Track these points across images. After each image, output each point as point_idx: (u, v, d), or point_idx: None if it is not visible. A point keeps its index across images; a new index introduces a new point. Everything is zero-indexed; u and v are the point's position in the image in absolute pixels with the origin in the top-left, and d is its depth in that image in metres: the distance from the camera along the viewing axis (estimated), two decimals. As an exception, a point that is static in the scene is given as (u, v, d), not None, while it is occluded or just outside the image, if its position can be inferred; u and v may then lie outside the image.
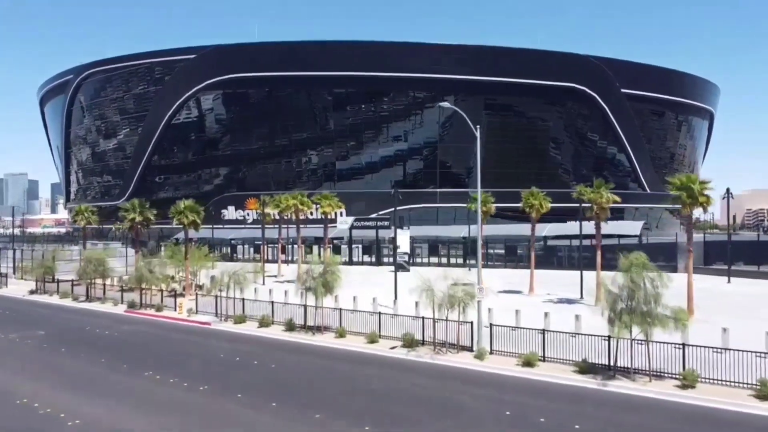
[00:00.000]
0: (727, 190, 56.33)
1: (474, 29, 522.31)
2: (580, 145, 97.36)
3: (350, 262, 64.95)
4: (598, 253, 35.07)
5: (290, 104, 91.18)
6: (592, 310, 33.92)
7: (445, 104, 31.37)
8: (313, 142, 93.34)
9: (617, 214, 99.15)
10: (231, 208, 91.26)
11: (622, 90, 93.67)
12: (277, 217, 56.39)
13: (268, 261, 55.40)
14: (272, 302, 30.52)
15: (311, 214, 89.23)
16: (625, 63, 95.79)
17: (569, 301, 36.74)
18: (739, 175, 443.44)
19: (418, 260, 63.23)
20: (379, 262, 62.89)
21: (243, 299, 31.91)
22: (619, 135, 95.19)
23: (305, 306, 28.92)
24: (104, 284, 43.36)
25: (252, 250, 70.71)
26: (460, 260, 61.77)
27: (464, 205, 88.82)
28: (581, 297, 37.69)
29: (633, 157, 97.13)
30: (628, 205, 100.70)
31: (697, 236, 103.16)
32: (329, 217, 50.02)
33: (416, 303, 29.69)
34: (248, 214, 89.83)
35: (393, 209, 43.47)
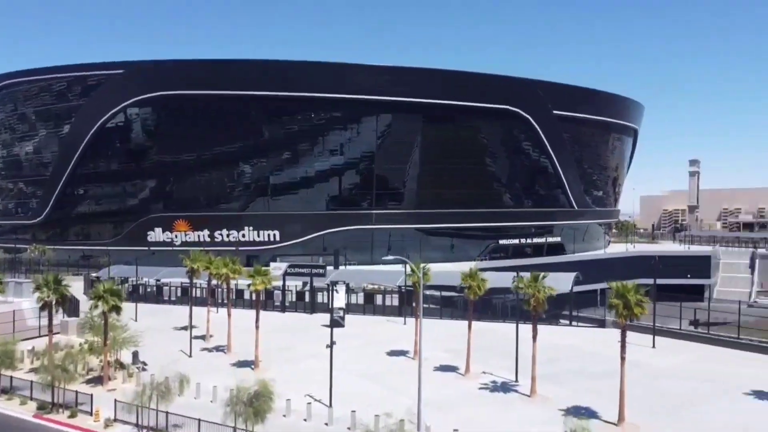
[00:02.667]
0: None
1: (421, 52, 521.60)
2: (514, 162, 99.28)
3: (283, 309, 63.46)
4: (534, 345, 35.46)
5: (222, 115, 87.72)
6: (525, 402, 34.74)
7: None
8: (245, 153, 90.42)
9: (547, 231, 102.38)
10: (158, 230, 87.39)
11: (554, 111, 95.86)
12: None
13: (196, 304, 52.79)
14: (199, 420, 28.88)
15: (243, 237, 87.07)
16: (557, 85, 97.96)
17: (504, 389, 37.26)
18: (663, 177, 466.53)
19: (354, 301, 62.51)
20: (313, 310, 61.76)
21: (167, 413, 30.01)
22: (550, 154, 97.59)
23: (235, 429, 27.52)
24: (11, 376, 36.83)
25: (179, 292, 67.61)
26: (396, 303, 61.49)
27: (400, 226, 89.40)
28: (516, 379, 38.31)
29: (562, 175, 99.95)
30: (559, 222, 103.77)
31: (618, 248, 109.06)
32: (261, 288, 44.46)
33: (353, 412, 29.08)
34: (176, 236, 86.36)
35: (331, 267, 41.58)
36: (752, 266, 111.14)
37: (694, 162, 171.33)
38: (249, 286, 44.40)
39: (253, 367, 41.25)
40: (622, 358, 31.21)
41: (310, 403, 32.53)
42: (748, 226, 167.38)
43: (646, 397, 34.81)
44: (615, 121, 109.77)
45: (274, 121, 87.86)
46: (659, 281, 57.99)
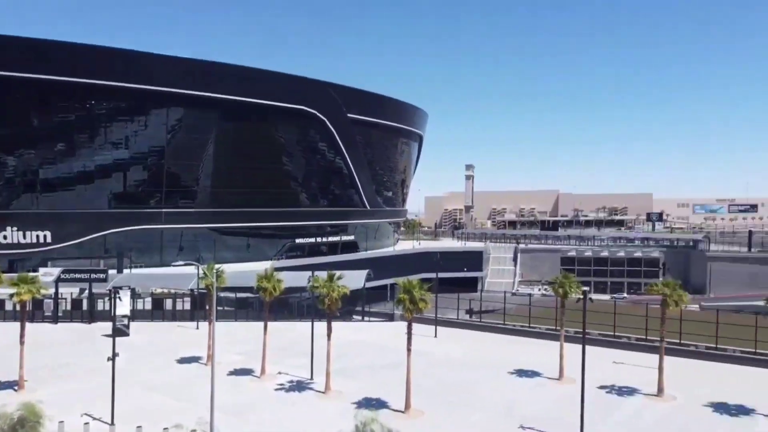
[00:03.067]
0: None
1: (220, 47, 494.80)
2: (310, 162, 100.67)
3: (55, 320, 56.83)
4: (329, 344, 36.41)
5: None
6: (320, 399, 35.59)
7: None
8: (8, 143, 78.83)
9: (342, 230, 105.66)
10: None
11: (349, 114, 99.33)
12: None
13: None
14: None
15: (5, 238, 76.17)
16: (351, 90, 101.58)
17: (300, 387, 37.72)
18: (445, 179, 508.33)
19: (141, 307, 58.19)
20: (92, 319, 56.19)
21: None
22: (344, 155, 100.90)
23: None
24: None
25: None
26: (188, 307, 58.64)
27: (193, 225, 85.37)
28: (312, 377, 39.02)
29: (356, 176, 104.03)
30: (354, 222, 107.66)
31: (406, 246, 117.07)
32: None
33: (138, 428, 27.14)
34: None
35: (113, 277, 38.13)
36: (515, 259, 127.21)
37: (469, 166, 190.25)
38: (12, 296, 38.85)
39: (16, 388, 36.35)
40: (408, 350, 33.59)
41: (87, 423, 29.65)
42: (513, 224, 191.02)
43: (430, 384, 37.83)
44: (403, 126, 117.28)
45: (46, 108, 77.94)
46: (441, 275, 63.54)
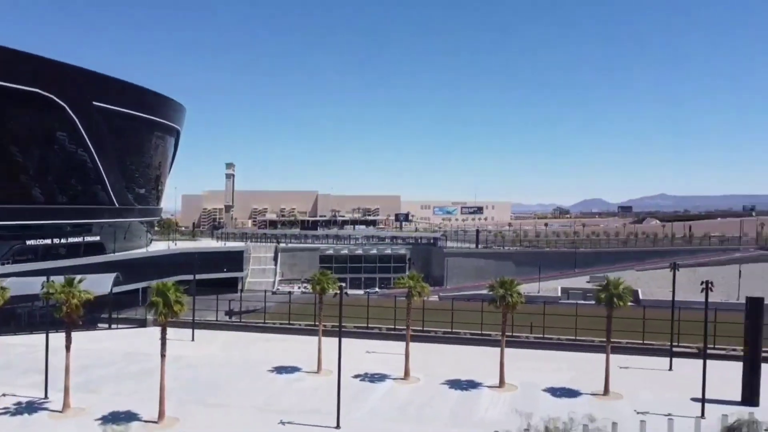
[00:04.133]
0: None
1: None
2: (47, 153, 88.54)
3: None
4: (68, 355, 32.41)
5: None
6: (57, 419, 31.60)
7: None
8: None
9: (85, 230, 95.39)
10: None
11: (95, 103, 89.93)
12: None
13: None
14: None
15: None
16: (99, 76, 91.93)
17: (31, 409, 32.69)
18: (204, 177, 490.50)
19: None
20: None
21: None
22: (88, 147, 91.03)
23: None
24: None
25: None
26: None
27: None
28: (46, 395, 34.45)
29: (102, 170, 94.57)
30: (99, 221, 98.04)
31: (161, 246, 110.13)
32: None
33: None
34: None
35: None
36: (276, 259, 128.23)
37: (230, 165, 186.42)
38: None
39: None
40: (162, 356, 31.64)
41: None
42: (273, 223, 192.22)
43: (186, 389, 36.13)
44: (158, 119, 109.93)
45: None
46: (200, 276, 61.23)
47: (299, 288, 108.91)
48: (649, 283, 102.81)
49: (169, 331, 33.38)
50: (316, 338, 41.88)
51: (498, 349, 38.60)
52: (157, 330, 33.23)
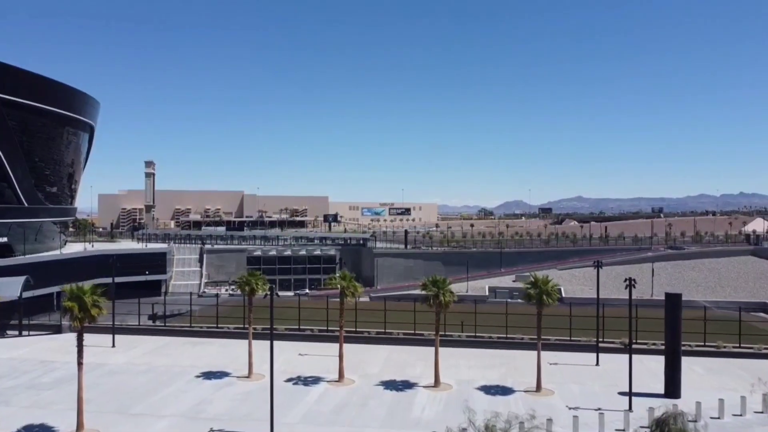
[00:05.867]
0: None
1: None
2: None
3: None
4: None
5: None
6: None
7: None
8: None
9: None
10: None
11: (1, 95, 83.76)
12: None
13: None
14: None
15: None
16: (4, 66, 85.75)
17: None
18: (122, 176, 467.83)
19: None
20: None
21: None
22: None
23: None
24: None
25: None
26: None
27: None
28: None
29: (8, 167, 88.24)
30: (6, 221, 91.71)
31: (77, 248, 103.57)
32: None
33: None
34: None
35: None
36: (201, 260, 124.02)
37: (149, 163, 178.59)
38: None
39: None
40: (80, 363, 29.48)
41: None
42: (198, 224, 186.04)
43: (107, 398, 33.94)
44: (71, 114, 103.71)
45: None
46: (120, 279, 58.01)
47: (227, 290, 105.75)
48: (571, 281, 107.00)
49: (88, 337, 31.27)
50: (245, 341, 40.47)
51: (431, 349, 38.62)
52: (74, 336, 30.99)
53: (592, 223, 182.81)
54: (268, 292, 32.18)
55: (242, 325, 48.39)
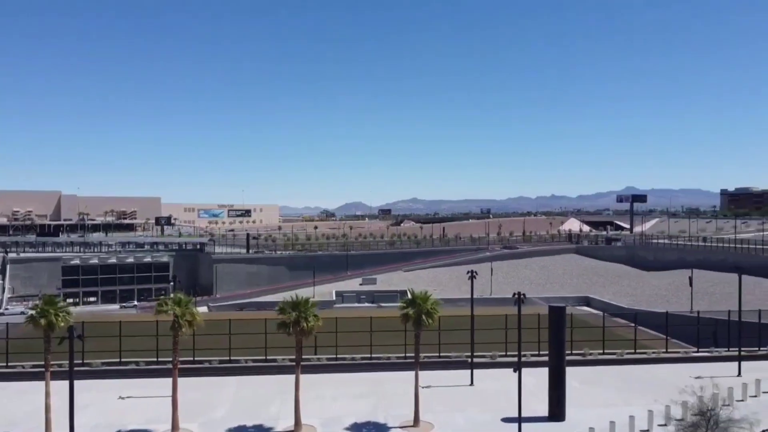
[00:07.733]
0: None
1: None
2: None
3: None
4: None
5: None
6: None
7: None
8: None
9: None
10: None
11: None
12: None
13: None
14: None
15: None
16: None
17: None
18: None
19: None
20: None
21: None
22: None
23: None
24: None
25: None
26: None
27: None
28: None
29: None
30: None
31: None
32: None
33: None
34: None
35: None
36: (4, 271, 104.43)
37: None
38: None
39: None
40: None
41: None
42: (3, 228, 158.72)
43: None
44: None
45: None
46: None
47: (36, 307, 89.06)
48: (417, 282, 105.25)
49: None
50: (42, 384, 30.49)
51: (288, 377, 32.16)
52: None
53: (433, 224, 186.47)
54: (67, 334, 23.55)
55: (42, 362, 37.72)
